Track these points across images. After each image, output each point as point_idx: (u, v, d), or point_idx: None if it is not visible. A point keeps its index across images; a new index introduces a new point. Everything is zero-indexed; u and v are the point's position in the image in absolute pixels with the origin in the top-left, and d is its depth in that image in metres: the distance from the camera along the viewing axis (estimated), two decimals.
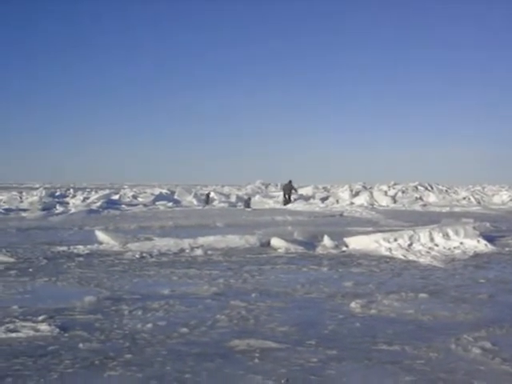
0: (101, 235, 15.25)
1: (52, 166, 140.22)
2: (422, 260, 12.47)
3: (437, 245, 14.12)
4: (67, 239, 16.08)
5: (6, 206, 32.32)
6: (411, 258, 12.77)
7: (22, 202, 36.93)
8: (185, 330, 6.59)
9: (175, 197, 42.17)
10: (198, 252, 13.14)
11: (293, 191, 38.99)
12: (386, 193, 44.04)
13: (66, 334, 6.38)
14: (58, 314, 7.24)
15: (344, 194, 43.40)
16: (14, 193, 45.75)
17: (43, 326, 6.61)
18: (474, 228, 15.38)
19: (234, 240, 14.68)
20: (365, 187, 46.90)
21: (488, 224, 19.06)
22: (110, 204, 35.22)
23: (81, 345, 5.97)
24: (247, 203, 35.52)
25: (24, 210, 30.30)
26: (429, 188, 49.29)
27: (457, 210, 33.62)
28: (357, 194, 43.19)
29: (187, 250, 13.42)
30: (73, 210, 30.07)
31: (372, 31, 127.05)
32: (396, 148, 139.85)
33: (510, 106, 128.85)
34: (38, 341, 6.14)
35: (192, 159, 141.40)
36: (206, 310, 7.61)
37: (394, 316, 7.39)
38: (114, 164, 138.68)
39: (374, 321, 7.11)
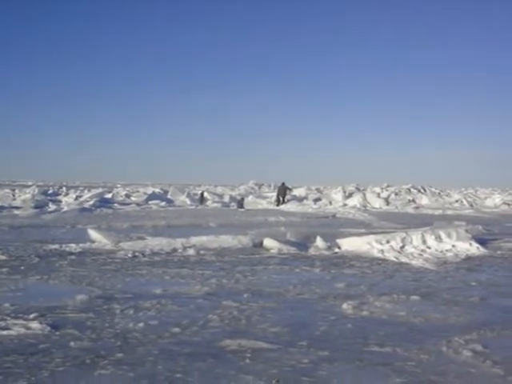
0: (93, 234, 15.23)
1: (45, 164, 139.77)
2: (414, 262, 12.49)
3: (429, 247, 14.15)
4: (59, 237, 16.05)
5: None
6: (403, 260, 12.80)
7: (14, 199, 36.85)
8: (176, 329, 6.58)
9: (168, 196, 42.13)
10: (191, 252, 13.13)
11: (288, 192, 39.05)
12: (378, 195, 44.15)
13: (58, 333, 6.36)
14: (50, 313, 7.22)
15: (337, 195, 43.49)
16: (7, 190, 45.65)
17: (34, 324, 6.59)
18: (467, 231, 15.42)
19: (227, 240, 14.67)
20: (358, 189, 46.99)
21: (480, 227, 19.12)
22: (103, 203, 35.17)
23: (72, 343, 5.96)
24: (240, 204, 35.53)
25: (16, 208, 30.23)
26: (422, 190, 49.47)
27: (449, 212, 33.70)
28: (350, 195, 43.27)
29: (180, 250, 13.41)
30: (65, 209, 29.99)
31: (367, 31, 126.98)
32: (389, 150, 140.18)
33: (504, 109, 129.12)
34: (29, 339, 6.12)
35: (185, 159, 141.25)
36: (198, 309, 7.60)
37: (385, 318, 7.40)
38: (108, 163, 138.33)
39: (365, 322, 7.12)
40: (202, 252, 13.19)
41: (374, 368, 5.36)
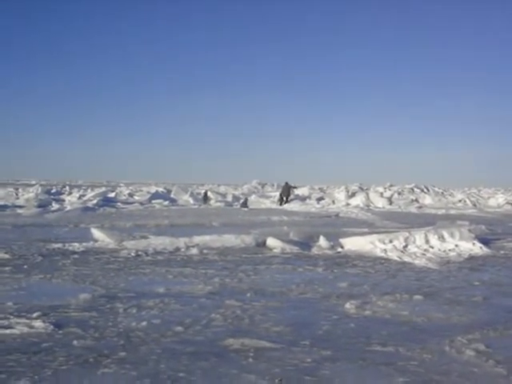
0: (96, 233, 15.24)
1: (48, 163, 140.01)
2: (417, 262, 12.49)
3: (432, 247, 14.14)
4: (63, 236, 16.07)
5: (2, 203, 32.28)
6: (406, 259, 12.79)
7: (17, 198, 36.94)
8: (179, 328, 6.59)
9: (171, 195, 42.16)
10: (194, 251, 13.13)
11: (291, 191, 39.07)
12: (381, 194, 44.15)
13: (61, 331, 6.37)
14: (53, 311, 7.23)
15: (340, 194, 43.50)
16: (10, 189, 45.76)
17: (37, 323, 6.60)
18: (470, 231, 15.41)
19: (230, 239, 14.68)
20: (361, 188, 47.00)
21: (483, 227, 19.06)
22: (106, 202, 35.20)
23: (75, 342, 5.97)
24: (244, 204, 35.60)
25: (20, 207, 30.27)
26: (425, 190, 49.42)
27: (452, 212, 33.67)
28: (353, 195, 43.26)
29: (183, 249, 13.42)
30: (68, 208, 30.03)
31: (367, 31, 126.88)
32: (393, 150, 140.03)
33: (507, 108, 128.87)
34: (32, 337, 6.14)
35: (189, 158, 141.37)
36: (201, 308, 7.61)
37: (388, 317, 7.40)
38: (111, 162, 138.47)
39: (368, 322, 7.12)
40: (205, 251, 13.20)
41: (377, 367, 5.36)
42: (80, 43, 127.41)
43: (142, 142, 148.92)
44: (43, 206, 30.99)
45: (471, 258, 13.34)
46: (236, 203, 38.23)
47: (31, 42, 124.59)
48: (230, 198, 41.69)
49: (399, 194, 46.47)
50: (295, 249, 13.83)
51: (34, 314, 6.99)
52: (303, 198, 41.27)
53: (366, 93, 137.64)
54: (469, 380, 5.09)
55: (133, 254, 12.53)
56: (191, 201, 39.73)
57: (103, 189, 49.25)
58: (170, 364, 5.33)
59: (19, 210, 28.14)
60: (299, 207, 35.34)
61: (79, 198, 38.95)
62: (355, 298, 8.39)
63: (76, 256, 12.22)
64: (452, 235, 14.72)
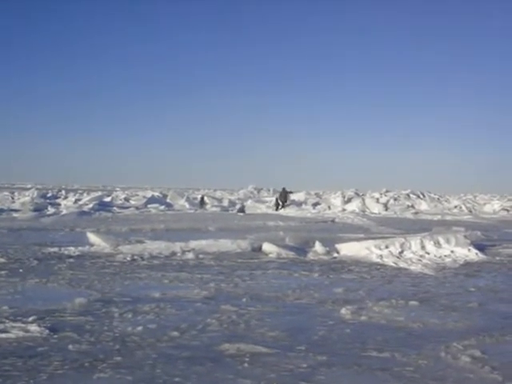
0: (92, 237, 15.22)
1: (44, 167, 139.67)
2: (412, 267, 12.50)
3: (428, 253, 14.15)
4: (58, 240, 16.04)
5: None
6: (402, 265, 12.80)
7: (13, 202, 36.87)
8: (175, 333, 6.58)
9: (167, 200, 42.16)
10: (190, 256, 13.12)
11: (289, 196, 39.11)
12: (377, 200, 44.18)
13: (56, 336, 6.36)
14: (48, 316, 7.22)
15: (336, 200, 43.54)
16: (6, 193, 45.70)
17: (33, 327, 6.59)
18: (465, 237, 15.43)
19: (226, 244, 14.68)
20: (357, 194, 47.04)
21: (479, 233, 19.11)
22: (102, 206, 35.17)
23: (70, 346, 5.96)
24: (241, 210, 35.66)
25: (15, 211, 30.23)
26: (421, 196, 49.51)
27: (448, 218, 33.73)
28: (349, 200, 43.31)
29: (179, 254, 13.41)
30: (64, 212, 30.01)
31: (367, 32, 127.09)
32: (389, 155, 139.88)
33: (504, 114, 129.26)
34: (28, 342, 6.12)
35: (185, 163, 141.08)
36: (197, 313, 7.60)
37: (384, 323, 7.40)
38: (107, 166, 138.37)
39: (364, 327, 7.12)
40: (200, 256, 13.19)
41: (373, 373, 5.36)
42: (78, 44, 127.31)
43: (138, 147, 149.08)
44: (39, 209, 30.94)
45: (467, 264, 13.36)
46: (232, 208, 38.28)
47: (29, 42, 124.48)
48: (226, 203, 41.72)
49: (395, 199, 46.52)
50: (291, 254, 13.83)
51: (30, 318, 6.98)
52: (299, 204, 41.30)
53: (364, 96, 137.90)
54: None
55: (128, 259, 12.52)
56: (187, 205, 39.74)
57: (99, 193, 49.23)
58: (165, 369, 5.32)
59: (15, 214, 28.11)
60: (295, 212, 35.35)
61: (75, 202, 38.91)
62: (351, 304, 8.39)
63: (72, 260, 12.21)
64: (448, 241, 14.74)
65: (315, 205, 41.58)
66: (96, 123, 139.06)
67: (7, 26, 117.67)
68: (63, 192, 52.62)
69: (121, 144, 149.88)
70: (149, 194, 48.42)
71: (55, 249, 13.77)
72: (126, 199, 44.33)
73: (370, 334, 6.72)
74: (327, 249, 14.32)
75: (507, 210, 43.61)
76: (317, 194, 53.74)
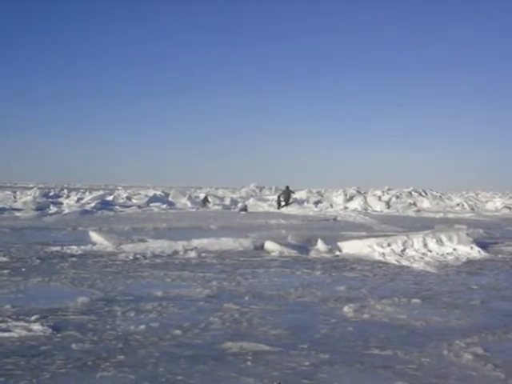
0: (94, 236, 15.24)
1: (46, 166, 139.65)
2: (415, 265, 12.50)
3: (430, 251, 14.15)
4: (61, 239, 16.06)
5: (0, 206, 32.24)
6: (404, 263, 12.80)
7: (15, 201, 36.86)
8: (178, 331, 6.59)
9: (169, 199, 42.14)
10: (192, 254, 13.13)
11: (292, 194, 39.13)
12: (379, 198, 44.16)
13: (59, 335, 6.37)
14: (51, 314, 7.23)
15: (338, 198, 43.54)
16: (8, 192, 45.72)
17: (36, 326, 6.60)
18: (468, 234, 15.43)
19: (228, 243, 14.68)
20: (359, 192, 47.02)
21: (481, 230, 19.11)
22: (104, 205, 35.16)
23: (73, 345, 5.97)
24: (244, 208, 35.65)
25: (18, 210, 30.24)
26: (423, 194, 49.46)
27: (450, 216, 33.71)
28: (351, 198, 43.31)
29: (181, 252, 13.42)
30: (66, 211, 30.02)
31: (367, 32, 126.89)
32: (391, 153, 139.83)
33: (505, 112, 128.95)
34: (31, 341, 6.13)
35: (186, 161, 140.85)
36: (199, 312, 7.61)
37: (386, 321, 7.41)
38: (109, 165, 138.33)
39: (366, 325, 7.12)
40: (203, 254, 13.20)
41: (375, 371, 5.36)
42: (78, 44, 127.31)
43: (140, 146, 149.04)
44: (41, 209, 30.95)
45: (469, 261, 13.36)
46: (233, 206, 38.29)
47: (29, 42, 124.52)
48: (228, 202, 41.72)
49: (397, 197, 46.52)
50: (293, 252, 13.84)
51: (33, 317, 6.99)
52: (301, 202, 41.29)
53: (365, 95, 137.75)
54: None
55: (131, 258, 12.53)
56: (189, 204, 39.73)
57: (101, 192, 49.19)
58: (168, 367, 5.33)
59: (17, 213, 28.13)
60: (297, 211, 35.33)
61: (77, 201, 38.92)
62: (353, 302, 8.40)
63: (74, 259, 12.22)
64: (450, 239, 14.74)
65: (317, 203, 41.59)
66: (98, 122, 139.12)
67: (7, 26, 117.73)
68: (65, 191, 52.64)
69: (123, 143, 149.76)
70: (151, 192, 48.40)
71: (57, 248, 13.79)
72: (128, 198, 44.33)
73: (372, 332, 6.73)
74: (329, 247, 14.33)
75: (509, 208, 43.54)
76: (319, 193, 53.74)
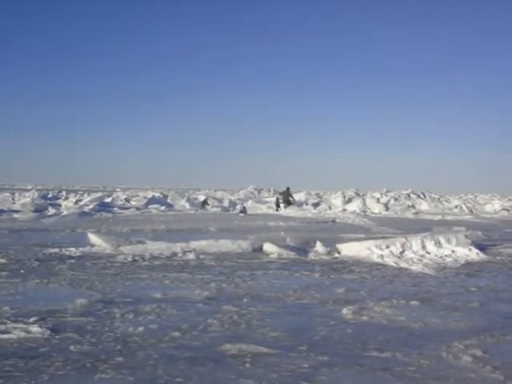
0: (93, 238, 15.23)
1: (45, 168, 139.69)
2: (413, 267, 12.50)
3: (428, 253, 14.15)
4: (59, 241, 16.05)
5: None
6: (403, 265, 12.80)
7: (14, 203, 36.87)
8: (176, 333, 6.58)
9: (168, 201, 42.15)
10: (191, 256, 13.12)
11: (290, 198, 39.15)
12: (378, 200, 44.17)
13: (58, 336, 6.36)
14: (50, 316, 7.22)
15: (337, 200, 43.55)
16: (6, 194, 45.64)
17: (34, 328, 6.59)
18: (466, 236, 15.43)
19: (227, 245, 14.68)
20: (357, 194, 47.03)
21: (480, 233, 19.12)
22: (103, 207, 35.17)
23: (72, 347, 5.96)
24: (243, 211, 35.66)
25: (16, 212, 30.23)
26: (421, 196, 49.49)
27: (449, 218, 33.72)
28: (349, 200, 43.31)
29: (179, 254, 13.42)
30: (65, 212, 30.02)
31: (367, 32, 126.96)
32: (389, 155, 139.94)
33: (504, 114, 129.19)
34: (29, 342, 6.13)
35: (185, 163, 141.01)
36: (198, 314, 7.61)
37: (385, 323, 7.40)
38: (107, 167, 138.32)
39: (365, 327, 7.12)
40: (201, 256, 13.19)
41: (374, 373, 5.36)
42: (78, 45, 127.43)
43: (139, 147, 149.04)
44: (39, 210, 30.94)
45: (468, 263, 13.36)
46: (232, 208, 38.30)
47: (29, 42, 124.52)
48: (226, 204, 41.73)
49: (396, 199, 46.51)
50: (292, 254, 13.83)
51: (31, 319, 6.98)
52: (300, 204, 41.29)
53: (365, 96, 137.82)
54: None
55: (129, 259, 12.52)
56: (188, 206, 39.75)
57: (100, 194, 49.21)
58: (167, 369, 5.32)
59: (15, 215, 28.11)
60: (296, 213, 35.35)
61: (76, 202, 38.91)
62: (352, 304, 8.39)
63: (73, 261, 12.21)
64: (449, 241, 14.74)
65: (316, 205, 41.59)
66: (96, 124, 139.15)
67: (7, 26, 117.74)
68: (64, 193, 52.58)
69: (121, 144, 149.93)
70: (149, 194, 48.43)
71: (56, 249, 13.78)
72: (127, 200, 44.32)
73: (371, 334, 6.73)
74: (328, 249, 14.33)
75: (508, 210, 43.61)
76: (317, 195, 53.75)
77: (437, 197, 50.95)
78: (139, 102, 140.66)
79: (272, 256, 13.64)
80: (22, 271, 10.71)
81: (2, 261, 11.89)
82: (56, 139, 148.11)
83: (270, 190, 55.51)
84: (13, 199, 40.34)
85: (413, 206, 44.42)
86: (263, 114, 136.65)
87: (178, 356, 5.74)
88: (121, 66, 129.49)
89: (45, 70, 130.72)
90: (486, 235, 19.51)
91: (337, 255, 14.07)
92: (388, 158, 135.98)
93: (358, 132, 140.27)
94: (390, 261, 13.22)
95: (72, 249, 13.82)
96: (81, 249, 13.88)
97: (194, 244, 14.47)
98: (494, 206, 46.04)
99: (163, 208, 37.30)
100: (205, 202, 40.55)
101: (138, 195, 49.62)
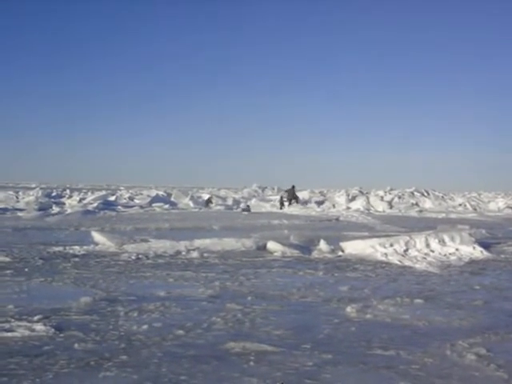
0: (97, 236, 15.25)
1: (48, 167, 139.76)
2: (417, 266, 12.49)
3: (432, 251, 14.13)
4: (63, 240, 16.07)
5: (2, 206, 32.30)
6: (407, 263, 12.79)
7: (18, 201, 36.94)
8: (180, 331, 6.59)
9: (172, 199, 42.16)
10: (194, 254, 13.14)
11: (295, 196, 39.15)
12: (382, 198, 44.12)
13: (62, 335, 6.38)
14: (54, 315, 7.24)
15: (340, 198, 43.47)
16: (11, 192, 45.75)
17: (39, 326, 6.61)
18: (470, 234, 15.41)
19: (231, 243, 14.69)
20: (361, 192, 46.98)
21: (484, 231, 19.07)
22: (107, 205, 35.19)
23: (76, 345, 5.97)
24: (247, 209, 35.65)
25: (20, 210, 30.28)
26: (425, 194, 49.37)
27: (453, 216, 33.66)
28: (353, 198, 43.26)
29: (183, 253, 13.43)
30: (69, 211, 30.04)
31: (368, 31, 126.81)
32: (393, 154, 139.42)
33: (508, 112, 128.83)
34: (34, 341, 6.14)
35: (189, 162, 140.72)
36: (202, 312, 7.61)
37: (389, 321, 7.40)
38: (111, 165, 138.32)
39: (369, 325, 7.12)
40: (205, 255, 13.20)
41: (378, 371, 5.36)
42: (79, 44, 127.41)
43: (143, 146, 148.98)
44: (43, 209, 30.99)
45: (472, 261, 13.34)
46: (236, 207, 38.31)
47: (29, 42, 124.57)
48: (230, 202, 41.73)
49: (399, 197, 46.44)
50: (296, 252, 13.83)
51: (35, 317, 7.00)
52: (304, 202, 41.27)
53: (366, 95, 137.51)
54: None
55: (133, 258, 12.54)
56: (191, 204, 39.74)
57: (103, 192, 49.25)
58: (171, 367, 5.33)
59: (19, 213, 28.15)
60: (299, 211, 35.31)
61: (79, 201, 38.97)
62: (356, 302, 8.39)
63: (77, 259, 12.23)
64: (452, 239, 14.72)
65: (320, 203, 41.53)
66: (100, 122, 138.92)
67: (7, 26, 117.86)
68: (67, 191, 52.64)
69: (125, 143, 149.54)
70: (153, 192, 48.40)
71: (60, 248, 13.81)
72: (131, 198, 44.37)
73: (375, 333, 6.72)
74: (332, 247, 14.32)
75: None
76: (321, 193, 53.66)
77: (441, 195, 50.85)
78: (141, 102, 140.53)
79: (276, 254, 13.64)
80: (26, 269, 10.73)
81: (7, 259, 11.92)
82: (60, 138, 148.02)
83: (273, 189, 55.49)
84: (17, 198, 40.45)
85: (417, 204, 44.33)
86: (266, 113, 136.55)
87: (182, 354, 5.74)
88: (121, 65, 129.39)
89: (47, 68, 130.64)
90: (490, 233, 19.47)
91: (341, 253, 14.07)
92: (392, 156, 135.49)
93: (361, 130, 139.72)
94: (394, 259, 13.20)
95: (76, 247, 13.85)
96: (85, 247, 13.90)
97: (197, 242, 14.49)
98: (498, 204, 45.89)
99: (167, 206, 37.29)
100: (209, 201, 40.57)
101: (141, 194, 49.64)
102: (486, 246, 15.19)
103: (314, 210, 36.24)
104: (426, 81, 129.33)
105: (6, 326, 6.63)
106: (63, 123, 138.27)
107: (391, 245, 14.23)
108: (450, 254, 14.02)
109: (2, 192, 45.45)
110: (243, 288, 9.44)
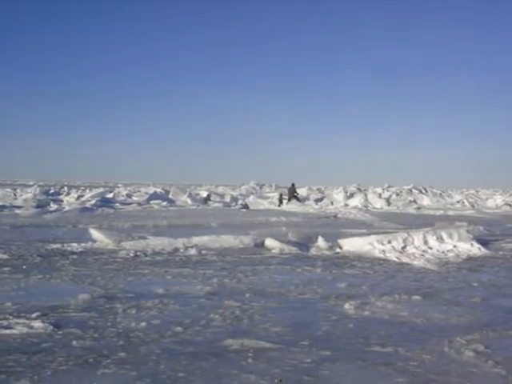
0: (95, 233, 15.24)
1: (46, 164, 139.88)
2: (415, 262, 12.50)
3: (430, 248, 14.15)
4: (61, 237, 16.07)
5: (0, 203, 32.25)
6: (405, 260, 12.80)
7: (15, 199, 36.90)
8: (179, 328, 6.59)
9: (170, 196, 42.13)
10: (192, 251, 13.14)
11: (295, 194, 39.17)
12: (380, 195, 44.19)
13: (60, 332, 6.37)
14: (52, 312, 7.24)
15: (338, 195, 43.53)
16: (8, 190, 45.72)
17: (37, 323, 6.60)
18: (468, 231, 15.42)
19: (229, 240, 14.69)
20: (359, 189, 47.03)
21: (482, 228, 19.11)
22: (104, 202, 35.18)
23: (74, 342, 5.97)
24: (245, 206, 35.65)
25: (18, 207, 30.26)
26: (423, 191, 49.45)
27: (451, 213, 33.67)
28: (351, 195, 43.32)
29: (181, 250, 13.42)
30: (67, 208, 30.02)
31: (368, 30, 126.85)
32: (391, 151, 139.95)
33: (506, 110, 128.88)
34: (32, 338, 6.14)
35: (186, 159, 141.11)
36: (200, 309, 7.61)
37: (387, 318, 7.40)
38: (109, 162, 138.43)
39: (367, 322, 7.12)
40: (203, 252, 13.20)
41: (376, 368, 5.36)
42: (79, 43, 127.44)
43: (141, 143, 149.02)
44: (41, 206, 30.98)
45: (470, 258, 13.36)
46: (234, 204, 38.30)
47: (29, 42, 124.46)
48: (228, 199, 41.72)
49: (397, 194, 46.52)
50: (294, 249, 13.84)
51: (34, 315, 7.00)
52: (303, 199, 41.29)
53: (366, 93, 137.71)
54: (468, 380, 5.10)
55: (131, 255, 12.53)
56: (189, 201, 39.71)
57: (101, 189, 49.28)
58: (169, 364, 5.33)
59: (17, 211, 28.13)
60: (297, 208, 35.33)
61: (77, 198, 38.95)
62: (354, 299, 8.40)
63: (75, 256, 12.23)
64: (450, 236, 14.74)
65: (318, 200, 41.56)
66: (98, 120, 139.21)
67: (7, 26, 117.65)
68: (65, 188, 52.59)
69: (123, 140, 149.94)
70: (151, 190, 48.36)
71: (58, 245, 13.80)
72: (128, 195, 44.31)
73: (373, 329, 6.73)
74: (330, 244, 14.33)
75: (510, 205, 43.55)
76: (319, 190, 53.73)
77: (439, 192, 50.93)
78: (141, 99, 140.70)
79: (274, 251, 13.64)
80: (24, 267, 10.72)
81: (5, 256, 11.91)
82: (58, 135, 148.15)
83: (271, 186, 55.57)
84: (15, 195, 40.39)
85: (414, 201, 44.40)
86: (265, 111, 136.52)
87: (181, 351, 5.75)
88: (121, 63, 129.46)
89: (46, 68, 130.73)
90: (488, 230, 19.50)
91: (338, 250, 14.08)
92: (390, 153, 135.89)
93: (359, 128, 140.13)
94: (392, 256, 13.22)
95: (74, 244, 13.84)
96: (83, 244, 13.90)
97: (195, 239, 14.48)
98: (495, 201, 45.98)
99: (165, 204, 37.28)
100: (207, 198, 40.57)
101: (139, 191, 49.61)
102: (483, 242, 15.21)
103: (312, 207, 36.26)
104: (425, 78, 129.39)
105: (4, 323, 6.63)
106: (61, 121, 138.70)
107: (389, 242, 14.24)
108: (447, 250, 14.03)
109: (0, 189, 45.41)
110: (241, 285, 9.45)
